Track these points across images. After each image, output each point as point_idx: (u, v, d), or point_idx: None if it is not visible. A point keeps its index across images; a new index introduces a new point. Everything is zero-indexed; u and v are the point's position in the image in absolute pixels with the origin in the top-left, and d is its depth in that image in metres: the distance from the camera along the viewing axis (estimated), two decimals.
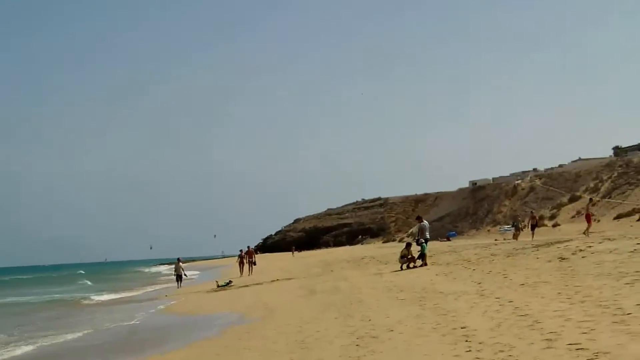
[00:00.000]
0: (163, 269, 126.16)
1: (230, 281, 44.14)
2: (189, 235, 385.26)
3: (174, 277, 52.54)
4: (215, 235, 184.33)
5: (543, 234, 59.22)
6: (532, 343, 11.09)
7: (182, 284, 50.34)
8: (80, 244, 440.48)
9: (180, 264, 51.78)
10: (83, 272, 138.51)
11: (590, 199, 49.49)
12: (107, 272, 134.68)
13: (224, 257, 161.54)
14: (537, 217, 61.63)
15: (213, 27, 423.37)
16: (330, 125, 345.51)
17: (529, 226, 52.87)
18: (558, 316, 12.98)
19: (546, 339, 11.15)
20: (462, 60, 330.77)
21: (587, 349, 10.04)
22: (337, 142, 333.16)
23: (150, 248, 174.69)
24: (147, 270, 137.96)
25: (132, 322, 28.45)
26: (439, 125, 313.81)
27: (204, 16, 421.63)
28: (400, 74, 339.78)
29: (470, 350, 11.34)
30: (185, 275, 52.18)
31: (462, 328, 13.46)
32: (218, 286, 42.65)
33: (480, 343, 11.77)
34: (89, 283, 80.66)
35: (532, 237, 48.79)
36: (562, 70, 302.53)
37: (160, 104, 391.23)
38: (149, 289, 56.48)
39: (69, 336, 24.74)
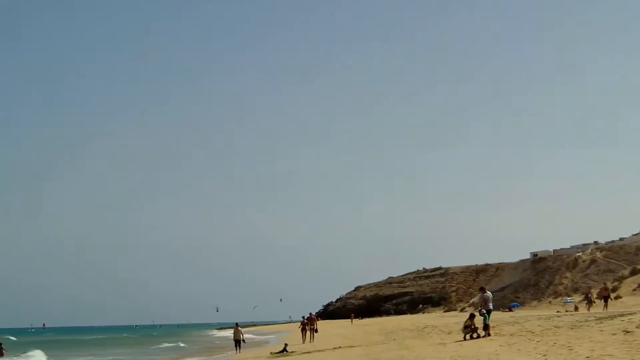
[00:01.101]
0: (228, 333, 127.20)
1: (285, 346, 44.02)
2: (254, 300, 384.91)
3: (233, 343, 51.58)
4: (281, 300, 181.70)
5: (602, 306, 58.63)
6: None
7: (240, 349, 49.84)
8: (130, 308, 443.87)
9: (239, 328, 51.10)
10: (156, 333, 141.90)
11: None
12: (178, 334, 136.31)
13: (291, 321, 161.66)
14: (610, 289, 60.86)
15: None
16: (389, 193, 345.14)
17: (601, 298, 52.45)
18: None
19: None
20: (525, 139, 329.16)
21: None
22: (397, 211, 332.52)
23: (217, 310, 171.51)
24: (213, 334, 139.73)
25: None
26: (498, 197, 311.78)
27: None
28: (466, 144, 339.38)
29: None
30: (243, 341, 51.22)
31: None
32: (273, 354, 42.77)
33: None
34: (182, 345, 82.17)
35: (605, 308, 48.38)
36: (623, 144, 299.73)
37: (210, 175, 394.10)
38: (215, 354, 56.83)
39: None
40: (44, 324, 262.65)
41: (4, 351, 56.44)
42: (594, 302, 54.38)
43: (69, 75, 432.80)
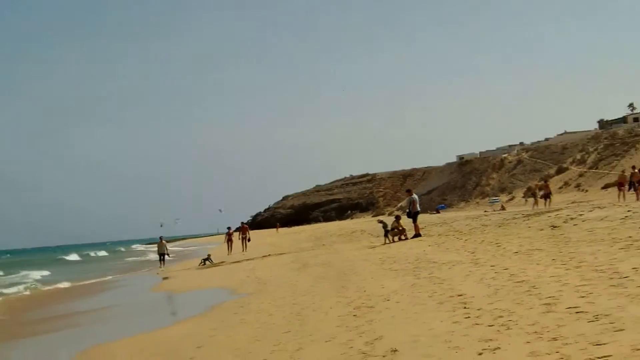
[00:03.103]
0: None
1: (209, 256, 43.80)
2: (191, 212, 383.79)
3: (158, 257, 50.25)
4: (220, 210, 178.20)
5: (529, 204, 59.37)
6: (531, 308, 11.05)
7: (165, 264, 48.60)
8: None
9: (164, 242, 49.92)
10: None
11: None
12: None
13: (218, 234, 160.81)
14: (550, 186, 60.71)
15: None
16: (316, 101, 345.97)
17: (544, 196, 52.42)
18: (555, 281, 12.98)
19: (545, 304, 11.11)
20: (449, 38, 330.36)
21: (587, 312, 9.99)
22: (324, 119, 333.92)
23: (161, 226, 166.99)
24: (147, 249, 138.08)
25: (123, 300, 28.44)
26: (423, 101, 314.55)
27: None
28: (380, 50, 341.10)
29: (469, 317, 11.26)
30: (168, 255, 50.26)
31: (459, 296, 13.42)
32: (203, 262, 42.81)
33: (478, 309, 11.71)
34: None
35: (548, 205, 48.61)
36: (546, 47, 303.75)
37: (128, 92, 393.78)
38: (139, 269, 55.69)
39: None
40: None
41: None
42: (540, 199, 53.58)
43: None
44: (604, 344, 8.26)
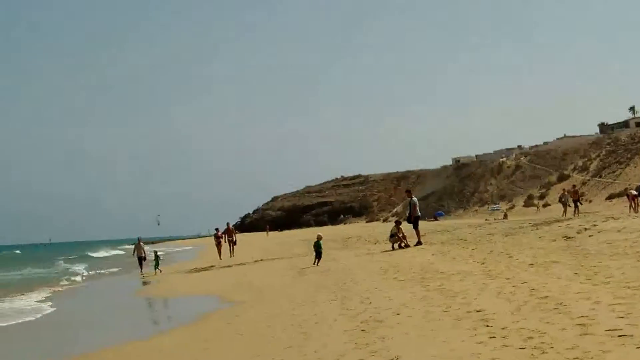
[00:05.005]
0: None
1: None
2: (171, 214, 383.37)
3: (137, 261, 44.82)
4: (159, 216, 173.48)
5: (533, 213, 58.11)
6: (564, 329, 9.91)
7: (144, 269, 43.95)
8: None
9: (142, 244, 45.18)
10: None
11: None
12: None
13: (199, 236, 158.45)
14: (580, 193, 57.68)
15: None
16: (306, 99, 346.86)
17: (572, 202, 49.58)
18: (584, 298, 11.88)
19: (579, 324, 9.98)
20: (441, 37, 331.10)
21: (632, 336, 8.87)
22: (313, 118, 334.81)
23: (158, 224, 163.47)
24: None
25: (108, 305, 27.36)
26: (417, 101, 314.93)
27: None
28: (369, 45, 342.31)
29: (494, 337, 10.12)
30: (144, 258, 45.12)
31: (477, 312, 12.28)
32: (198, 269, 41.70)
33: (503, 328, 10.57)
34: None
35: (577, 213, 46.52)
36: (542, 48, 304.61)
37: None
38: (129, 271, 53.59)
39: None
40: None
41: None
42: (570, 206, 50.28)
43: None
44: None
